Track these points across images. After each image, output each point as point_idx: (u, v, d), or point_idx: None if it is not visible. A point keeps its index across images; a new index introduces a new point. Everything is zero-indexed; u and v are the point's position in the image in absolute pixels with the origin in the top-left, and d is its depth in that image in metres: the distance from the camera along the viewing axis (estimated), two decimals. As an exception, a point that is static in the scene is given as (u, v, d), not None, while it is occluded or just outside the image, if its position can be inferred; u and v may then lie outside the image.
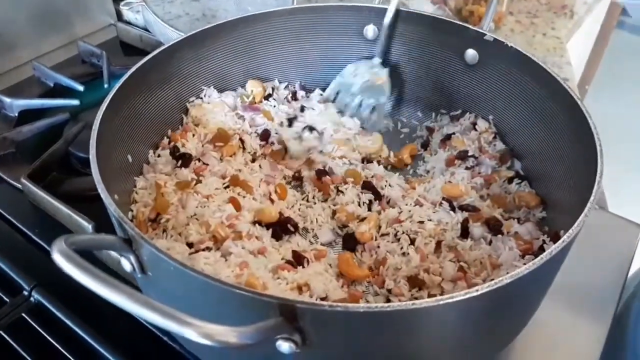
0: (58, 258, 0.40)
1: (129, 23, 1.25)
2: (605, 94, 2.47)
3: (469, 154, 0.79)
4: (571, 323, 0.69)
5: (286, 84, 0.90)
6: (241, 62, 0.87)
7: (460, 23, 0.80)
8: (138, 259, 0.50)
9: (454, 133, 0.83)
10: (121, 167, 0.71)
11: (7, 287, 0.71)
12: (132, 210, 0.69)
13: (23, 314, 0.68)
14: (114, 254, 0.57)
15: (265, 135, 0.82)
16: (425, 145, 0.87)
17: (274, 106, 0.87)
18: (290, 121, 0.83)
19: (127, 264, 0.51)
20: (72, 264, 0.40)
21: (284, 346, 0.42)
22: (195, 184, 0.72)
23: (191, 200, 0.69)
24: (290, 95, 0.88)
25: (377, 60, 0.87)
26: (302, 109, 0.86)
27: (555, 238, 0.62)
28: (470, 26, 0.79)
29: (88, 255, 0.43)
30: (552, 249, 0.47)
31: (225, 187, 0.74)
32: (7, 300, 0.69)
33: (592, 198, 0.52)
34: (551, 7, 1.32)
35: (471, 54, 0.80)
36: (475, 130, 0.81)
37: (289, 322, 0.42)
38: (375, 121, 0.87)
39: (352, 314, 0.41)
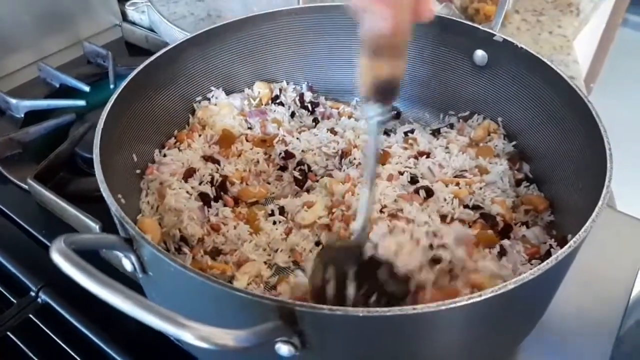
0: (56, 257, 0.40)
1: (134, 23, 1.25)
2: (610, 92, 2.44)
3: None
4: (580, 324, 0.67)
5: (294, 86, 0.90)
6: (247, 62, 0.86)
7: (470, 23, 0.79)
8: (139, 259, 0.50)
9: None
10: (126, 167, 0.71)
11: (14, 288, 0.71)
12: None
13: (30, 315, 0.68)
14: (118, 253, 0.57)
15: (289, 156, 0.79)
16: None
17: (284, 105, 0.86)
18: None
19: (128, 264, 0.51)
20: (70, 263, 0.40)
21: (283, 349, 0.41)
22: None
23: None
24: (298, 97, 0.88)
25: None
26: (315, 120, 0.86)
27: (562, 242, 0.61)
28: (479, 26, 0.78)
29: (93, 255, 0.43)
30: (558, 254, 0.46)
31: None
32: (14, 301, 0.69)
33: (600, 203, 0.51)
34: (557, 4, 1.30)
35: (480, 54, 0.79)
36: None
37: (288, 325, 0.41)
38: None
39: (352, 317, 0.41)
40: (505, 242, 0.65)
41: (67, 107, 0.98)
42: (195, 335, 0.36)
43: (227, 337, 0.37)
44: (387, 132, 0.84)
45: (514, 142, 0.79)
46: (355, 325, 0.42)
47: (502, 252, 0.63)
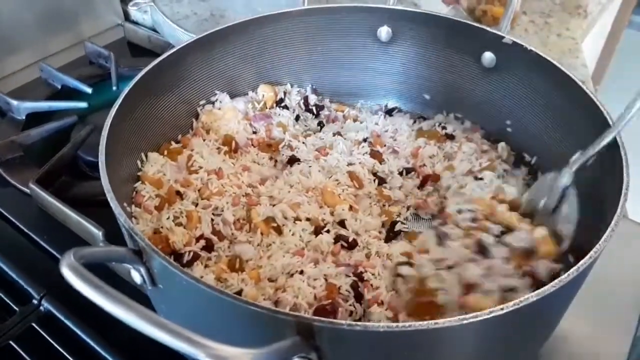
0: (67, 273, 0.39)
1: (136, 23, 1.24)
2: (615, 94, 2.43)
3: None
4: (593, 335, 0.67)
5: (298, 88, 0.88)
6: (252, 64, 0.85)
7: (478, 25, 0.78)
8: (149, 271, 0.49)
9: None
10: (131, 173, 0.70)
11: (16, 296, 0.70)
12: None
13: (33, 324, 0.67)
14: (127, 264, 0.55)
15: (292, 161, 0.78)
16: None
17: (289, 109, 0.85)
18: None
19: (137, 276, 0.50)
20: (81, 279, 0.39)
21: (301, 366, 0.40)
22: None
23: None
24: (302, 100, 0.86)
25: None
26: (320, 124, 0.85)
27: (580, 254, 0.60)
28: (488, 28, 0.77)
29: (99, 264, 0.42)
30: (579, 265, 0.45)
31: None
32: (17, 309, 0.68)
33: (618, 211, 0.50)
34: (565, 6, 1.29)
35: (488, 57, 0.78)
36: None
37: (305, 341, 0.40)
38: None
39: (372, 333, 0.40)
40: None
41: (68, 108, 0.96)
42: (210, 354, 0.35)
43: (244, 357, 0.35)
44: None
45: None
46: (375, 340, 0.41)
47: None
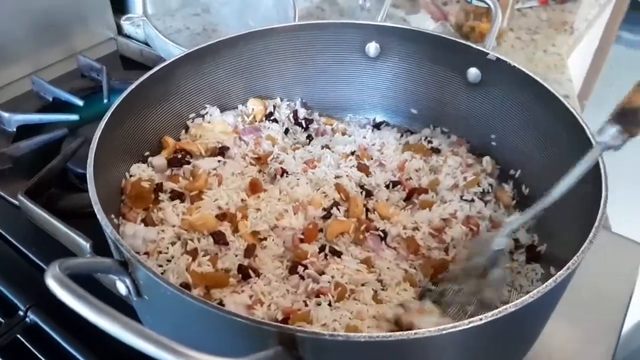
0: (52, 284, 0.39)
1: (129, 37, 1.25)
2: (603, 109, 2.46)
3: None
4: (576, 347, 0.68)
5: (288, 102, 0.90)
6: (242, 78, 0.86)
7: (463, 42, 0.80)
8: (134, 282, 0.49)
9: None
10: (119, 185, 0.71)
11: (2, 307, 0.70)
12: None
13: (18, 335, 0.66)
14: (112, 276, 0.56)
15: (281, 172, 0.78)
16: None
17: (278, 122, 0.86)
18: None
19: (122, 287, 0.50)
20: (66, 290, 0.39)
21: (283, 375, 0.41)
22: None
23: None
24: (292, 114, 0.88)
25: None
26: (309, 137, 0.86)
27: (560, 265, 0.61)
28: (473, 45, 0.78)
29: (84, 275, 0.43)
30: (557, 275, 0.46)
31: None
32: (2, 320, 0.68)
33: (597, 223, 0.51)
34: (552, 23, 1.32)
35: (474, 72, 0.79)
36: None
37: (288, 351, 0.41)
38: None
39: (353, 343, 0.40)
40: None
41: (60, 121, 0.97)
42: (194, 363, 0.35)
43: (227, 366, 0.36)
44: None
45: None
46: (356, 350, 0.42)
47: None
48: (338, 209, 0.71)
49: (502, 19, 1.20)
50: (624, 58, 2.88)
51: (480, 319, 0.42)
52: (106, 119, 0.64)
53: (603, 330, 0.69)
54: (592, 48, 1.98)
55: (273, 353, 0.40)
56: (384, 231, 0.71)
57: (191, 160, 0.77)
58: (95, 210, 0.52)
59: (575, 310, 0.68)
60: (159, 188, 0.72)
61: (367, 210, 0.74)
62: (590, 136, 0.62)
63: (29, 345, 0.65)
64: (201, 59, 0.80)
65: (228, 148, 0.80)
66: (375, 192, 0.77)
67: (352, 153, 0.82)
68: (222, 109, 0.85)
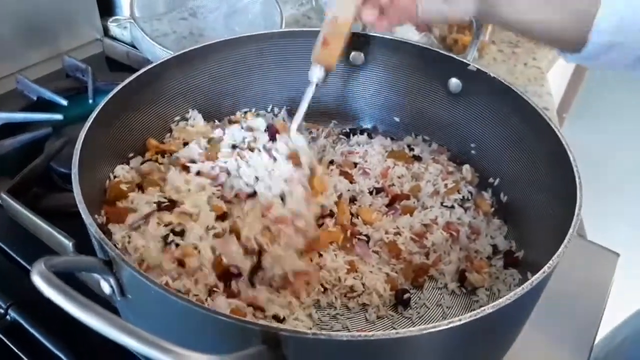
0: (38, 281, 0.39)
1: (115, 39, 1.25)
2: (582, 122, 2.54)
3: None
4: (552, 351, 0.69)
5: (276, 110, 0.91)
6: (228, 83, 0.87)
7: (445, 53, 0.82)
8: (118, 282, 0.49)
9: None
10: (103, 185, 0.71)
11: (-19, 305, 0.69)
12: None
13: (-2, 334, 0.66)
14: (96, 275, 0.56)
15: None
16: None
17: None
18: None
19: (106, 286, 0.50)
20: (52, 287, 0.39)
21: (267, 374, 0.41)
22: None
23: None
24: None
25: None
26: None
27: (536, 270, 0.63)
28: (454, 56, 0.81)
29: (68, 276, 0.43)
30: (532, 279, 0.47)
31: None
32: (-19, 319, 0.67)
33: (571, 230, 0.53)
34: (532, 37, 1.36)
35: (454, 82, 0.81)
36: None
37: (272, 350, 0.41)
38: None
39: (335, 342, 0.41)
40: None
41: (43, 120, 0.96)
42: (179, 360, 0.36)
43: (212, 363, 0.36)
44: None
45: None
46: (339, 349, 0.43)
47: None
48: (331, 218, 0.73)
49: (485, 33, 1.23)
50: (603, 73, 2.97)
51: (460, 320, 0.43)
52: (92, 118, 0.64)
53: (578, 334, 0.71)
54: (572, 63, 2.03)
55: (257, 351, 0.40)
56: (367, 235, 0.72)
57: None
58: (80, 210, 0.52)
59: (550, 317, 0.70)
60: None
61: (352, 214, 0.75)
62: (566, 146, 0.64)
63: (9, 344, 0.65)
64: (188, 62, 0.80)
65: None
66: (358, 198, 0.78)
67: (332, 162, 0.84)
68: (208, 113, 0.86)
